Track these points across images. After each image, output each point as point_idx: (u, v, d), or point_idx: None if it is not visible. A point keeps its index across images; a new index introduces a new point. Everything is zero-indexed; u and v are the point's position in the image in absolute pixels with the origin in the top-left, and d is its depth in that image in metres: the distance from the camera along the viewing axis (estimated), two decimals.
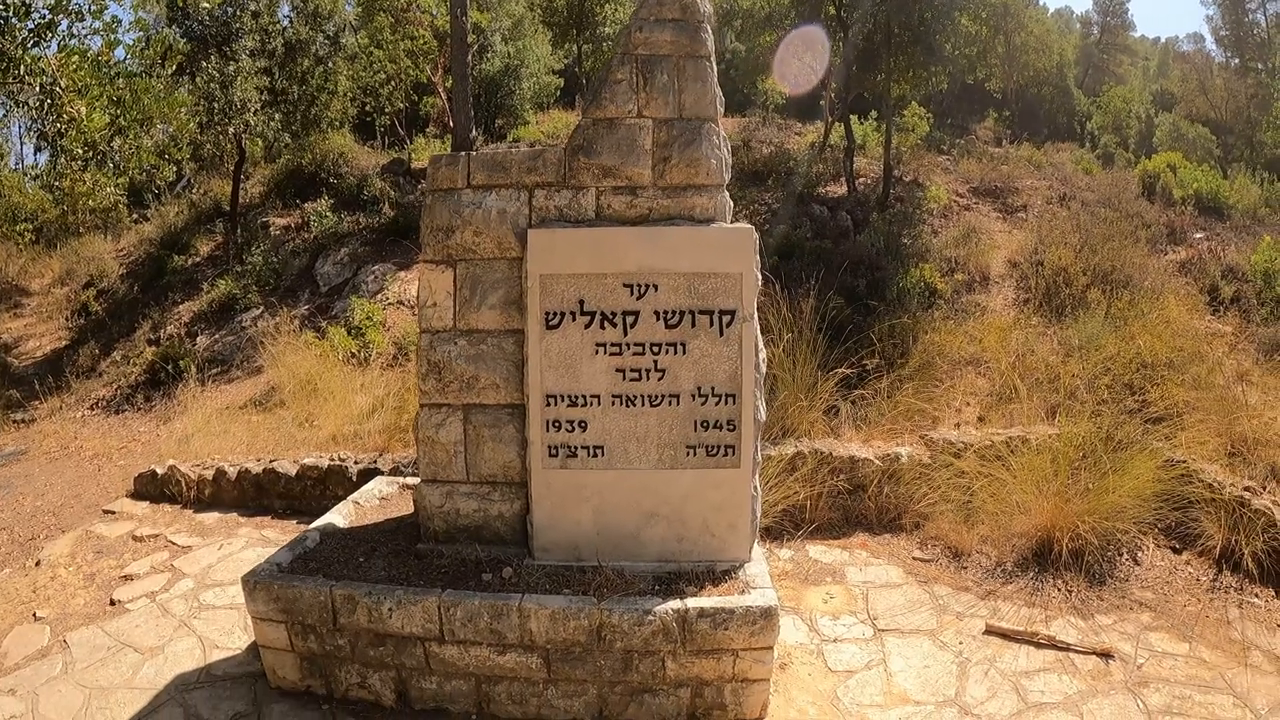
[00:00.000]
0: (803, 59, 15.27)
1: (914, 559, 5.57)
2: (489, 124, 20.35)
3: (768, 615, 3.76)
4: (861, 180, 15.28)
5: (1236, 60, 25.19)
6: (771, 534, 5.78)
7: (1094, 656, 4.44)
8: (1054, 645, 4.53)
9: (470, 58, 15.54)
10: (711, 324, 4.11)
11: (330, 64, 15.56)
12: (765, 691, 3.97)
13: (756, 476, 4.31)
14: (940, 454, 6.00)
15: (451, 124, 15.92)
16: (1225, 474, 5.64)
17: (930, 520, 5.79)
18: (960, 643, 4.59)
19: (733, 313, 4.10)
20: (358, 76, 16.99)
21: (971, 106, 27.02)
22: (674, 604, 3.82)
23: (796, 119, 21.15)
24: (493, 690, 3.99)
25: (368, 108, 18.33)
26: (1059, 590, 5.07)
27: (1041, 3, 33.79)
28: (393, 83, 17.94)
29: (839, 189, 15.04)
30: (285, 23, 15.19)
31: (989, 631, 4.68)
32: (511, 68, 21.22)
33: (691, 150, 4.16)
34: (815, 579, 5.33)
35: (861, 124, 18.71)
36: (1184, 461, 5.70)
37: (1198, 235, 13.23)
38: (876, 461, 6.01)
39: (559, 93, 23.68)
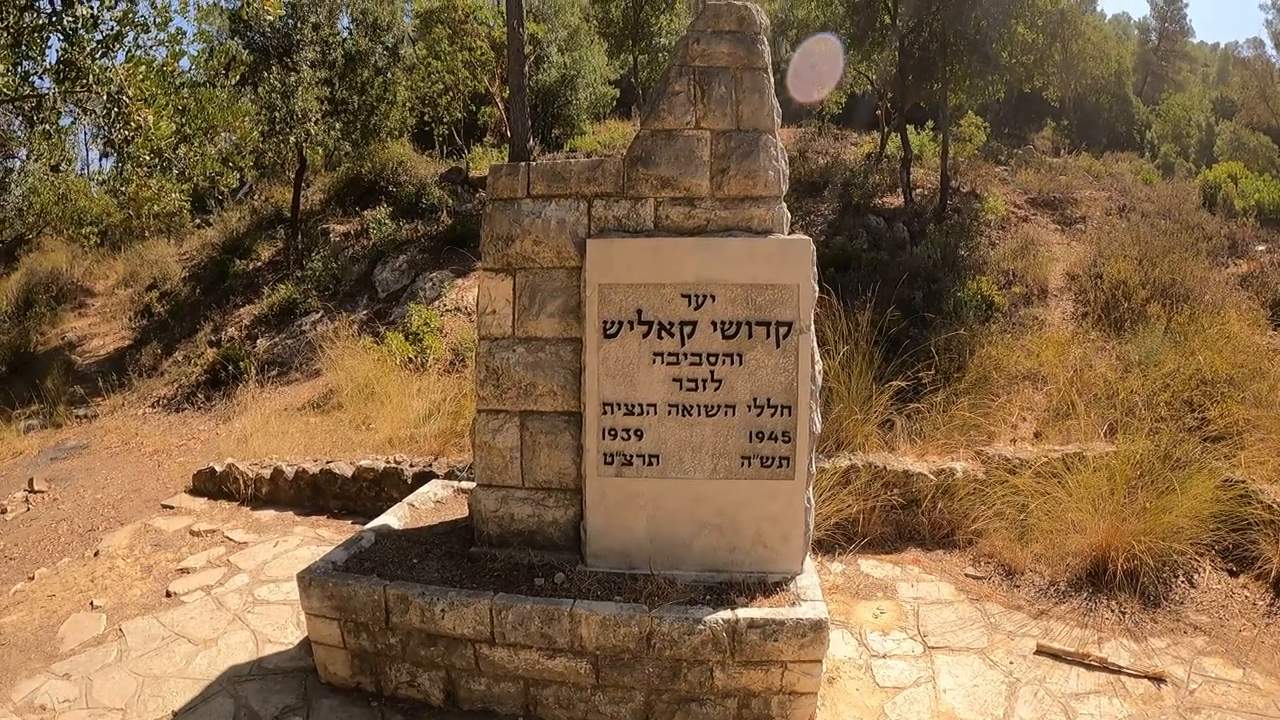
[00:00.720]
0: (817, 68, 15.17)
1: (966, 576, 5.50)
2: (546, 134, 20.56)
3: (818, 628, 3.75)
4: (918, 191, 15.13)
5: None
6: (823, 547, 5.75)
7: (1146, 680, 4.35)
8: (1105, 667, 4.45)
9: (527, 68, 15.72)
10: (768, 335, 4.11)
11: (389, 74, 15.87)
12: (812, 705, 3.96)
13: (810, 489, 4.29)
14: (995, 470, 5.91)
15: (509, 134, 16.11)
16: None
17: (984, 537, 5.71)
18: (1010, 662, 4.53)
19: (790, 324, 4.10)
20: (416, 87, 17.28)
21: (1029, 116, 26.57)
22: (724, 614, 3.83)
23: (852, 129, 21.00)
24: (540, 694, 4.04)
25: (426, 117, 18.64)
26: (1112, 611, 4.98)
27: (1099, 9, 33.13)
28: (450, 93, 18.22)
29: (895, 200, 14.91)
30: (345, 34, 15.55)
31: (1040, 651, 4.60)
32: (568, 78, 21.45)
33: (749, 162, 4.17)
34: (866, 593, 5.29)
35: (918, 134, 18.53)
36: (1243, 481, 5.55)
37: (1259, 248, 12.86)
38: (931, 476, 5.95)
39: (615, 103, 23.83)
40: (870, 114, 19.96)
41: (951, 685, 4.34)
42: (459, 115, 19.47)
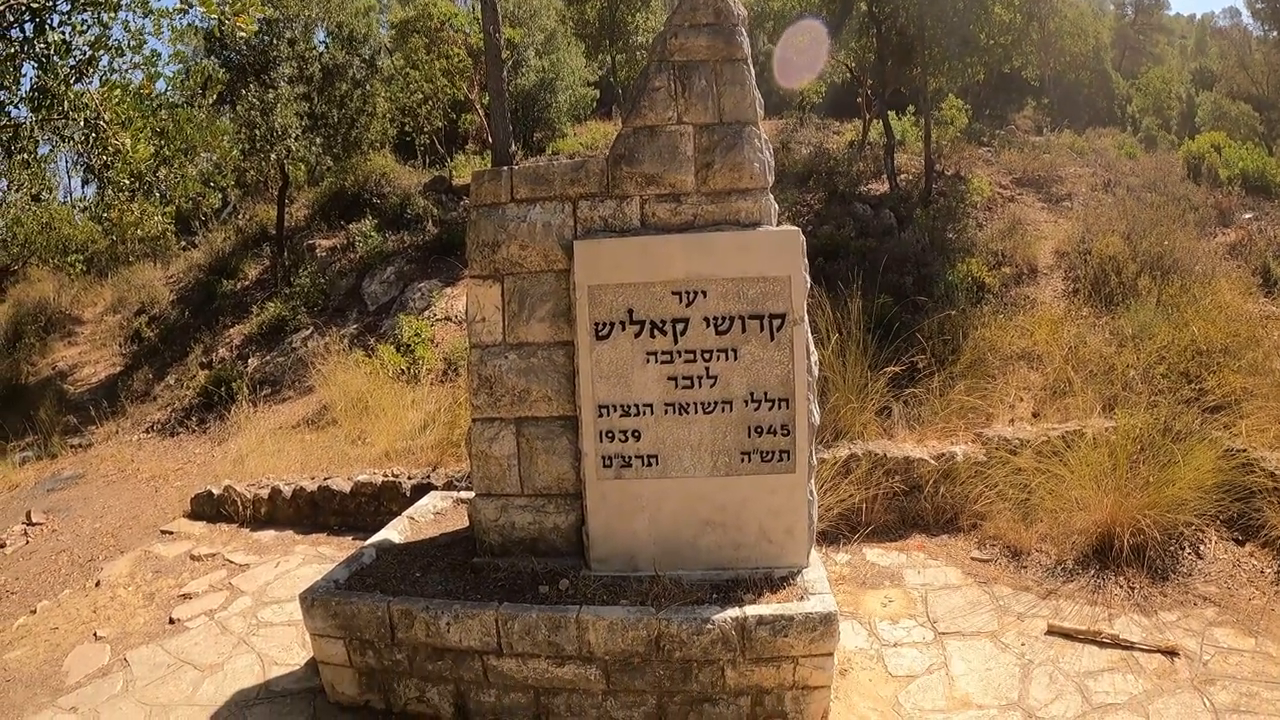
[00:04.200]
0: (804, 54, 15.13)
1: (972, 559, 5.48)
2: (527, 138, 20.48)
3: (827, 621, 3.73)
4: (903, 176, 15.09)
5: (1275, 33, 24.17)
6: (827, 538, 5.72)
7: (1159, 655, 4.34)
8: (1118, 644, 4.43)
9: (505, 73, 15.62)
10: (762, 329, 4.08)
11: (368, 86, 15.77)
12: (826, 698, 3.93)
13: (812, 481, 4.26)
14: (996, 451, 5.89)
15: (490, 140, 16.05)
16: None
17: (988, 519, 5.69)
18: (1022, 644, 4.51)
19: (783, 316, 4.07)
20: (395, 98, 17.20)
21: (1009, 96, 26.51)
22: (732, 612, 3.80)
23: (834, 118, 20.96)
24: (551, 702, 4.00)
25: (407, 128, 18.55)
26: (1121, 587, 4.96)
27: None
28: (430, 102, 18.15)
29: (881, 186, 14.86)
30: (321, 48, 15.43)
31: (1051, 632, 4.59)
32: (547, 81, 21.35)
33: (734, 154, 4.14)
34: (873, 583, 5.27)
35: (900, 120, 18.46)
36: (1244, 450, 5.55)
37: (1246, 215, 12.86)
38: (931, 461, 5.93)
39: (595, 104, 23.72)
40: (851, 102, 19.90)
41: (964, 670, 4.32)
42: (439, 124, 19.38)
